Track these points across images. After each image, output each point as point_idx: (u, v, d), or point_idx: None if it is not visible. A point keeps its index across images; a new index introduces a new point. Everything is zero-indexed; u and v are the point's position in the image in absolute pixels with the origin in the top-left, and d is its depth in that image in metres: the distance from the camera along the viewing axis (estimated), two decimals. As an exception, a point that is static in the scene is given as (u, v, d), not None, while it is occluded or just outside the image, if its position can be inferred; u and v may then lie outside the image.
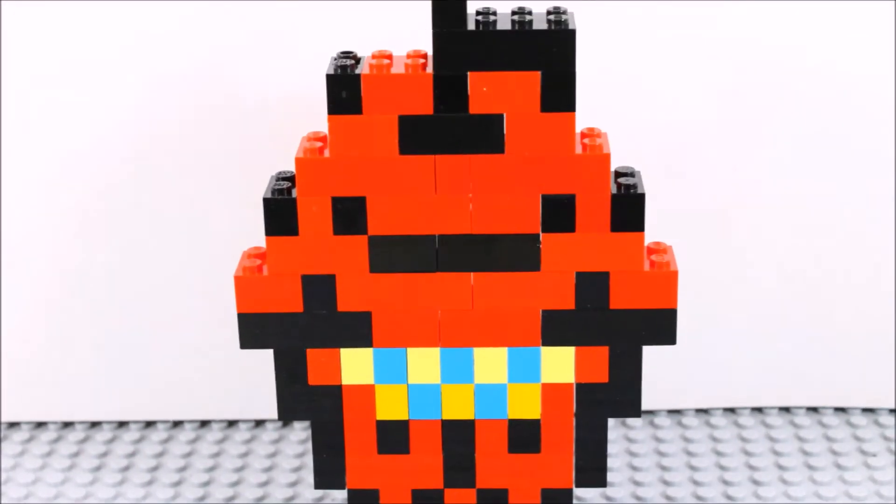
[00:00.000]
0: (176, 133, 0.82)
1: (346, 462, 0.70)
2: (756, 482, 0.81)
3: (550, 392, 0.69)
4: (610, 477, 0.81)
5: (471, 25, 0.63)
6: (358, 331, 0.68)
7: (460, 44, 0.63)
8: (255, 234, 0.71)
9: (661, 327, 0.67)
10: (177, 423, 0.89)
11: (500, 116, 0.64)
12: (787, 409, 0.89)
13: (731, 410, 0.89)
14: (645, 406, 0.85)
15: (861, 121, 0.82)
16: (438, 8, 0.63)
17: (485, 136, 0.64)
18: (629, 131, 0.77)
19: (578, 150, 0.65)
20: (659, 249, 0.68)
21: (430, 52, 0.65)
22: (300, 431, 0.87)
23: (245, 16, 0.79)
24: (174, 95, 0.81)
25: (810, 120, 0.82)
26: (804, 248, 0.84)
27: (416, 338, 0.68)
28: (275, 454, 0.85)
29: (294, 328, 0.68)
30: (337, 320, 0.67)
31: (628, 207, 0.65)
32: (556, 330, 0.68)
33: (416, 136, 0.65)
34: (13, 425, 0.89)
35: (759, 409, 0.88)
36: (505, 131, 0.64)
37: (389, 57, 0.65)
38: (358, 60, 0.65)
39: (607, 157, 0.65)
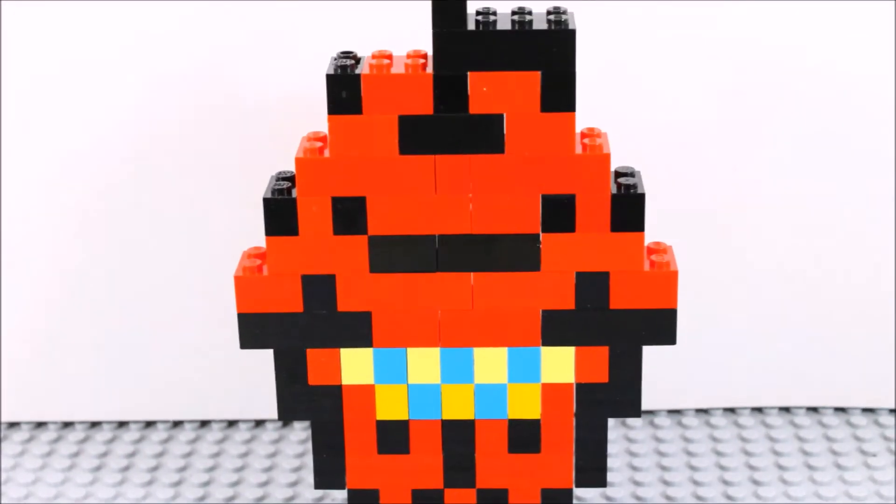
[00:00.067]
0: (176, 133, 0.82)
1: (346, 462, 0.70)
2: (756, 482, 0.81)
3: (550, 392, 0.69)
4: (610, 477, 0.81)
5: (471, 25, 0.63)
6: (358, 331, 0.68)
7: (460, 44, 0.63)
8: (255, 234, 0.71)
9: (661, 327, 0.67)
10: (177, 423, 0.89)
11: (500, 116, 0.64)
12: (787, 409, 0.89)
13: (731, 410, 0.89)
14: (645, 406, 0.85)
15: (861, 121, 0.82)
16: (438, 8, 0.63)
17: (485, 136, 0.64)
18: (629, 131, 0.77)
19: (578, 150, 0.65)
20: (659, 249, 0.68)
21: (430, 53, 0.65)
22: (300, 431, 0.87)
23: (245, 16, 0.79)
24: (174, 95, 0.81)
25: (810, 120, 0.82)
26: (804, 248, 0.84)
27: (416, 338, 0.68)
28: (275, 454, 0.85)
29: (294, 328, 0.68)
30: (337, 320, 0.67)
31: (628, 207, 0.65)
32: (556, 330, 0.68)
33: (416, 136, 0.65)
34: (13, 425, 0.89)
35: (759, 409, 0.88)
36: (505, 131, 0.64)
37: (389, 57, 0.65)
38: (358, 60, 0.65)
39: (607, 157, 0.65)
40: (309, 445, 0.86)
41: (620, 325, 0.67)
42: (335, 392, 0.69)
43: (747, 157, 0.82)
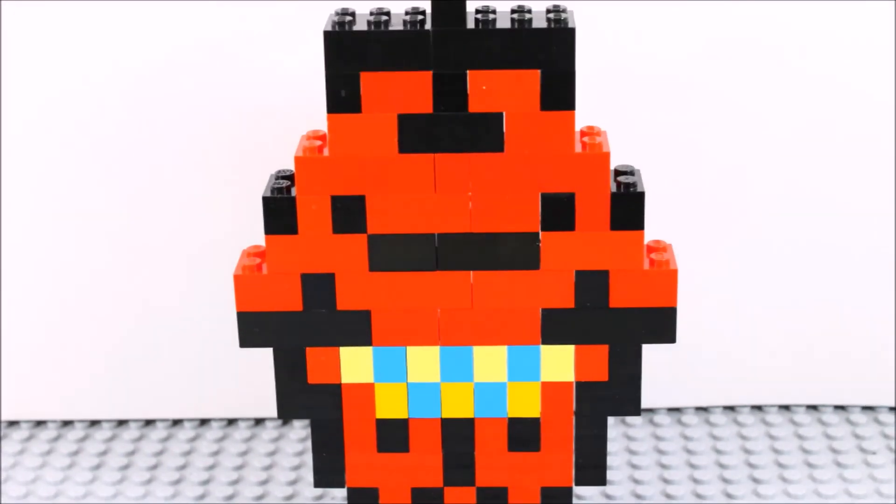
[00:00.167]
0: (175, 132, 0.82)
1: (345, 460, 0.70)
2: (756, 480, 0.81)
3: (550, 390, 0.69)
4: (609, 475, 0.81)
5: (470, 24, 0.63)
6: (357, 329, 0.68)
7: (459, 42, 0.63)
8: (254, 232, 0.71)
9: (661, 326, 0.67)
10: (176, 422, 0.89)
11: (500, 115, 0.64)
12: (786, 408, 0.89)
13: (731, 408, 0.89)
14: (644, 404, 0.85)
15: (861, 121, 0.82)
16: (438, 7, 0.63)
17: (484, 134, 0.64)
18: (629, 130, 0.77)
19: (578, 148, 0.65)
20: (659, 248, 0.68)
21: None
22: (300, 430, 0.87)
23: (245, 15, 0.79)
24: (174, 95, 0.81)
25: (810, 120, 0.82)
26: (804, 248, 0.84)
27: (416, 336, 0.68)
28: (274, 452, 0.85)
29: (293, 327, 0.68)
30: (336, 319, 0.67)
31: (628, 206, 0.65)
32: (555, 328, 0.67)
33: (416, 134, 0.65)
34: (13, 424, 0.89)
35: (758, 408, 0.88)
36: (504, 130, 0.64)
37: None
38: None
39: (607, 156, 0.65)
40: (308, 444, 0.86)
41: (620, 324, 0.67)
42: (335, 391, 0.69)
43: (747, 157, 0.82)
